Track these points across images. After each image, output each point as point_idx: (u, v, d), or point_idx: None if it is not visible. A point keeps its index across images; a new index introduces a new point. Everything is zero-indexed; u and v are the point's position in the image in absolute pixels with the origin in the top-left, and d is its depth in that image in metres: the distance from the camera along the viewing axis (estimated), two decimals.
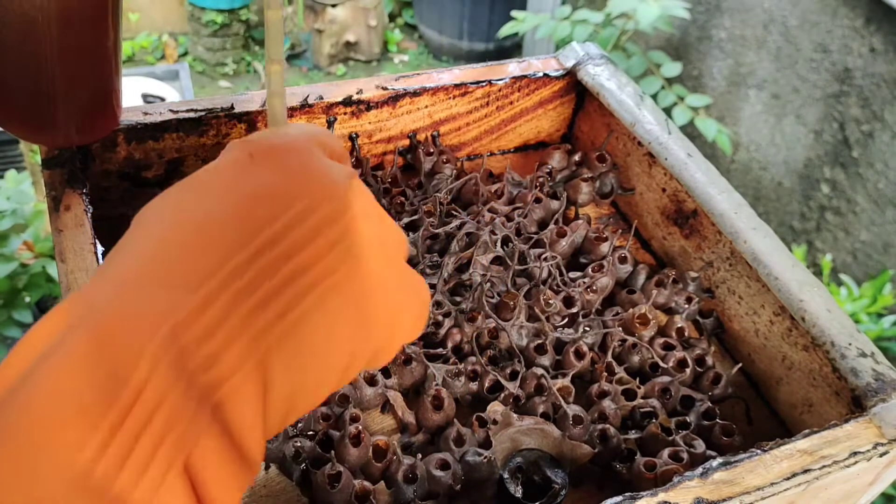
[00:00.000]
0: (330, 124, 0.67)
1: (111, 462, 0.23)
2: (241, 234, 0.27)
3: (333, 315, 0.28)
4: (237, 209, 0.27)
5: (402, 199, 0.66)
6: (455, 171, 0.69)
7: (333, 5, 3.03)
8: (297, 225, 0.27)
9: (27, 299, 1.39)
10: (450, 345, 0.57)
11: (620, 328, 0.59)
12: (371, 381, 0.54)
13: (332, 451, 0.49)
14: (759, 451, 0.45)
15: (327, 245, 0.28)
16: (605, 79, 0.71)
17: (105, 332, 0.24)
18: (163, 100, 2.24)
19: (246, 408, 0.25)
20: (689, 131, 2.07)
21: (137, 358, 0.23)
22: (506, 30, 2.05)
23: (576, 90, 0.75)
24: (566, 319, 0.60)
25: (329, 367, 0.28)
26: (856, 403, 0.50)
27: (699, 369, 0.58)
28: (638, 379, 0.57)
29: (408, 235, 0.62)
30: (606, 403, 0.54)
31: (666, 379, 0.56)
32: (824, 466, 0.45)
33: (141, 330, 0.24)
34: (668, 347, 0.59)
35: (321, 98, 0.65)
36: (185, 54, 3.18)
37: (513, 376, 0.56)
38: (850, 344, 0.52)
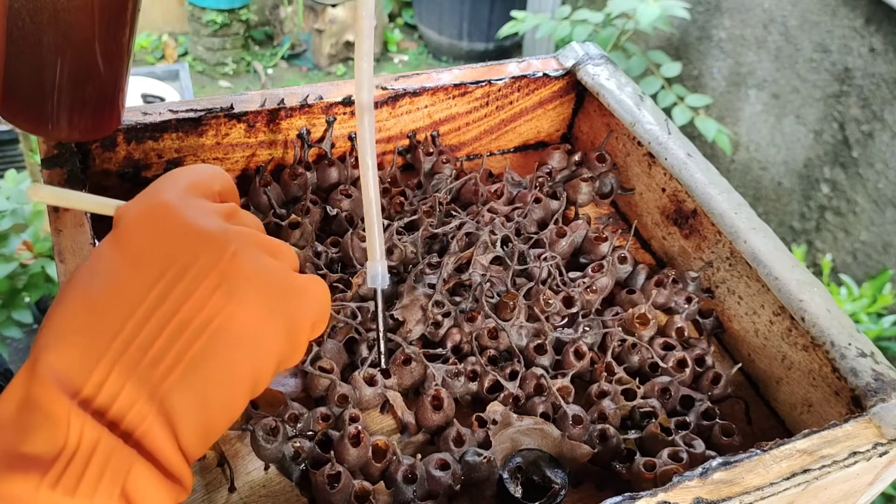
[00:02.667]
0: (330, 124, 0.67)
1: (62, 496, 0.29)
2: (128, 303, 0.32)
3: (226, 350, 0.33)
4: (123, 282, 0.33)
5: (402, 199, 0.66)
6: (455, 171, 0.69)
7: (333, 5, 3.03)
8: (177, 283, 0.33)
9: (27, 299, 1.39)
10: (449, 345, 0.57)
11: (620, 328, 0.59)
12: (371, 381, 0.54)
13: (332, 452, 0.49)
14: (758, 451, 0.45)
15: (207, 292, 0.33)
16: (604, 79, 0.71)
17: (41, 400, 0.30)
18: (163, 100, 2.24)
19: (160, 443, 0.32)
20: (689, 131, 2.07)
21: (67, 422, 0.30)
22: (506, 30, 2.05)
23: (575, 90, 0.75)
24: (566, 319, 0.60)
25: (233, 392, 0.34)
26: (855, 403, 0.50)
27: (699, 369, 0.58)
28: (637, 379, 0.57)
29: (408, 235, 0.62)
30: (606, 403, 0.54)
31: (665, 379, 0.56)
32: (824, 466, 0.45)
33: (62, 400, 0.30)
34: (667, 347, 0.59)
35: (321, 98, 0.65)
36: (185, 54, 3.18)
37: (512, 376, 0.55)
38: (849, 344, 0.52)
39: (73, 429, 0.30)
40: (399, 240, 0.61)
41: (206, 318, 0.33)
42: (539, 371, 0.55)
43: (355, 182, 0.67)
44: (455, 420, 0.52)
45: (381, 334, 0.52)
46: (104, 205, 0.39)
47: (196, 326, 0.32)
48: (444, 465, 0.49)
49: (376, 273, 0.50)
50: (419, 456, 0.50)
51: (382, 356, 0.52)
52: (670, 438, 0.52)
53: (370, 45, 0.45)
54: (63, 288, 0.34)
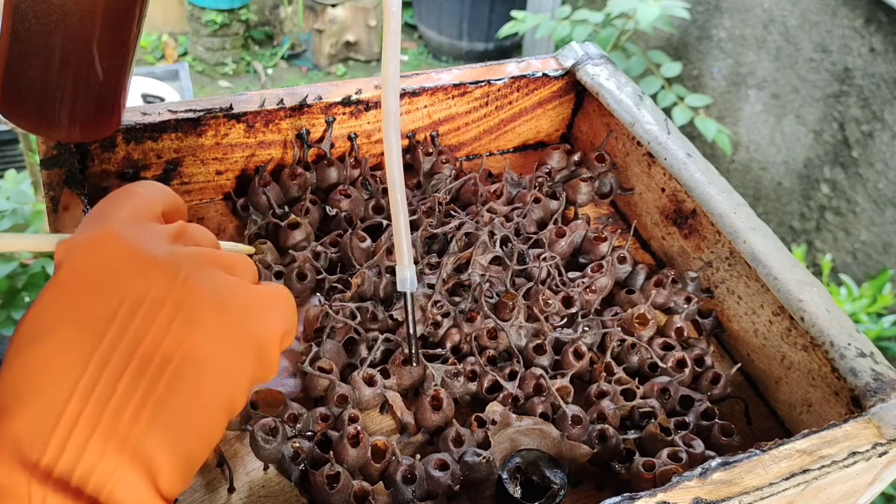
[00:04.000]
0: (329, 124, 0.67)
1: None
2: (83, 350, 0.30)
3: (195, 381, 0.31)
4: (75, 329, 0.30)
5: None
6: (454, 172, 0.69)
7: (333, 5, 3.04)
8: (132, 319, 0.31)
9: (27, 299, 1.38)
10: (448, 345, 0.57)
11: (619, 328, 0.59)
12: (370, 381, 0.54)
13: (331, 452, 0.49)
14: (758, 452, 0.45)
15: (165, 324, 0.31)
16: (604, 79, 0.71)
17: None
18: (162, 100, 2.24)
19: (133, 492, 0.29)
20: (689, 131, 2.07)
21: (28, 497, 0.28)
22: (505, 30, 2.05)
23: (575, 90, 0.75)
24: (565, 319, 0.60)
25: (208, 422, 0.32)
26: (855, 403, 0.50)
27: (698, 369, 0.58)
28: (637, 379, 0.57)
29: None
30: (605, 403, 0.54)
31: (665, 379, 0.56)
32: (823, 467, 0.45)
33: (20, 474, 0.28)
34: (667, 347, 0.59)
35: (320, 98, 0.65)
36: (184, 54, 3.18)
37: (512, 376, 0.55)
38: (849, 344, 0.52)
39: (35, 503, 0.28)
40: None
41: (168, 351, 0.31)
42: (538, 371, 0.55)
43: (354, 182, 0.67)
44: (454, 420, 0.52)
45: (412, 336, 0.54)
46: (44, 241, 0.36)
47: (159, 362, 0.31)
48: (443, 466, 0.49)
49: (405, 278, 0.52)
50: (418, 456, 0.50)
51: (414, 357, 0.54)
52: (670, 438, 0.52)
53: (396, 59, 0.46)
54: (13, 343, 0.31)
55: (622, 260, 0.65)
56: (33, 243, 0.37)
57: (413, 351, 0.54)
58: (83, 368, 0.30)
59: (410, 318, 0.53)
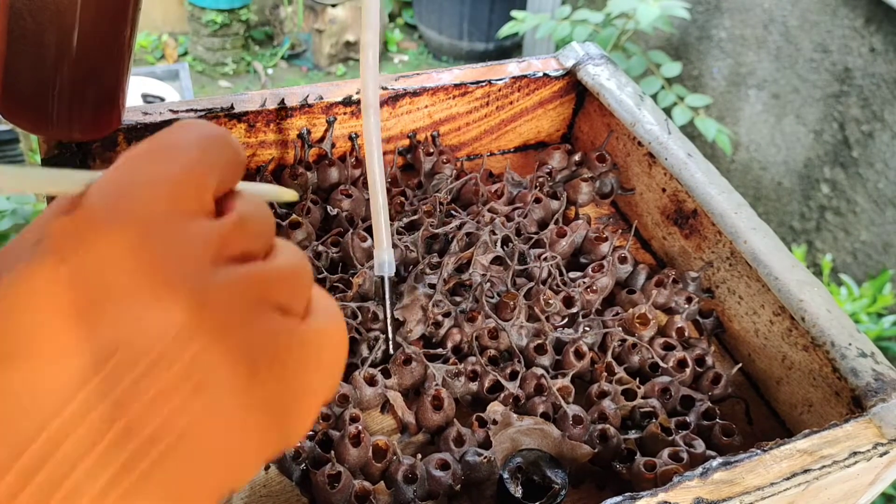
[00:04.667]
0: (330, 124, 0.67)
1: None
2: (49, 401, 0.21)
3: (187, 469, 0.23)
4: (44, 364, 0.22)
5: (402, 199, 0.66)
6: (455, 171, 0.69)
7: (333, 5, 3.03)
8: (131, 367, 0.22)
9: None
10: (449, 345, 0.57)
11: (620, 328, 0.59)
12: (371, 381, 0.54)
13: (332, 452, 0.49)
14: (758, 451, 0.45)
15: (169, 388, 0.22)
16: (604, 79, 0.71)
17: None
18: (163, 100, 2.24)
19: None
20: (689, 131, 2.07)
21: None
22: (506, 30, 2.05)
23: (576, 90, 0.75)
24: (566, 319, 0.60)
25: (201, 499, 0.23)
26: (856, 403, 0.50)
27: (699, 369, 0.58)
28: (638, 379, 0.57)
29: (408, 235, 0.62)
30: (606, 403, 0.54)
31: (666, 379, 0.56)
32: (824, 466, 0.45)
33: None
34: (667, 347, 0.59)
35: (321, 98, 0.65)
36: (184, 54, 3.18)
37: (513, 376, 0.55)
38: (850, 344, 0.52)
39: None
40: (399, 240, 0.61)
41: (162, 427, 0.22)
42: (539, 371, 0.55)
43: (355, 182, 0.67)
44: (455, 420, 0.52)
45: (389, 322, 0.53)
46: (62, 180, 0.24)
47: (146, 439, 0.22)
48: (444, 465, 0.49)
49: (383, 261, 0.50)
50: (419, 456, 0.50)
51: (391, 343, 0.53)
52: (670, 438, 0.52)
53: (375, 53, 0.45)
54: None
55: (623, 260, 0.65)
56: (49, 182, 0.24)
57: (391, 337, 0.52)
58: (42, 426, 0.21)
59: (388, 303, 0.52)
